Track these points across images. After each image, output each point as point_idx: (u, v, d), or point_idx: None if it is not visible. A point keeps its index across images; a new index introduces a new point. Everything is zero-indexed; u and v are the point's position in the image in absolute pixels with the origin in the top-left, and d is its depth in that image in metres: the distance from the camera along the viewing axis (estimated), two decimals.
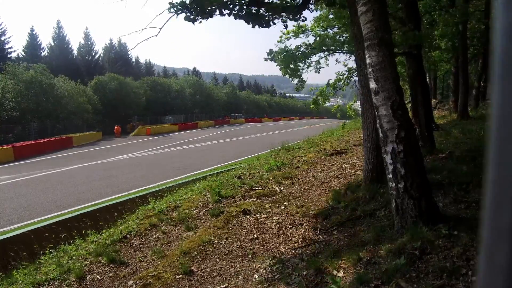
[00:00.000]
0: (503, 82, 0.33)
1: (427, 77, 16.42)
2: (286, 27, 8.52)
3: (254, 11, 7.04)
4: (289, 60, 10.68)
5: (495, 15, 0.34)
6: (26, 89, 30.17)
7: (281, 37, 11.90)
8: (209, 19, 6.91)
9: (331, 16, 11.52)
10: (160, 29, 6.54)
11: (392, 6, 9.68)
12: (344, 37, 11.70)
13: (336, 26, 11.73)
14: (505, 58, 0.33)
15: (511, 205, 0.31)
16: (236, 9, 6.76)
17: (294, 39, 12.33)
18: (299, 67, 11.49)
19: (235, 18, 7.01)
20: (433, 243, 3.59)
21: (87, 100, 36.23)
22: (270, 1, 7.27)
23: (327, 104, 14.70)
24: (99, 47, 55.76)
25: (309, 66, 12.13)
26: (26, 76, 30.34)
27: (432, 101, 18.21)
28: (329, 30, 12.04)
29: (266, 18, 7.23)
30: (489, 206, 0.33)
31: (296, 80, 12.04)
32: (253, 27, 7.28)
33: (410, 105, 9.51)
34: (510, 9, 0.33)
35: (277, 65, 11.01)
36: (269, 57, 10.81)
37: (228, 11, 6.83)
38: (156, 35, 6.55)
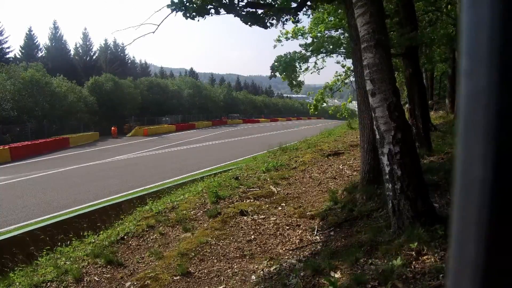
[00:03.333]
0: (468, 80, 0.35)
1: (424, 78, 16.51)
2: (283, 25, 8.55)
3: (252, 12, 7.08)
4: (290, 69, 10.76)
5: (460, 14, 0.36)
6: (23, 89, 30.13)
7: (279, 36, 11.95)
8: (206, 17, 6.96)
9: (327, 16, 11.57)
10: (158, 25, 6.54)
11: (389, 8, 9.71)
12: (342, 38, 11.73)
13: (334, 29, 11.77)
14: (471, 55, 0.35)
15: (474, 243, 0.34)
16: (233, 10, 6.79)
17: (292, 40, 12.39)
18: (297, 70, 11.55)
19: (234, 16, 7.05)
20: (429, 244, 3.61)
21: (79, 98, 36.06)
22: (268, 3, 7.31)
23: (324, 104, 14.77)
24: (97, 48, 55.58)
25: (306, 69, 12.18)
26: (25, 75, 30.32)
27: (429, 101, 18.29)
28: (326, 32, 12.07)
29: (264, 19, 7.26)
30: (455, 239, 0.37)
31: (294, 82, 12.09)
32: (250, 26, 7.31)
33: (407, 105, 9.56)
34: (475, 7, 0.34)
35: (280, 75, 11.10)
36: (273, 74, 10.93)
37: (225, 11, 6.86)
38: (153, 32, 6.56)
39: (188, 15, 6.54)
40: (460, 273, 0.36)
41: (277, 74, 11.29)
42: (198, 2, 6.36)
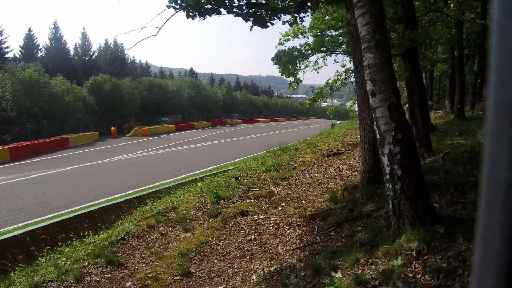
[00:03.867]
0: (497, 92, 0.38)
1: (424, 78, 16.52)
2: (290, 24, 8.53)
3: (253, 11, 7.09)
4: (292, 62, 10.87)
5: (491, 33, 0.39)
6: (23, 89, 30.13)
7: (280, 39, 11.99)
8: (207, 17, 6.98)
9: (327, 17, 11.57)
10: (160, 28, 6.55)
11: (389, 8, 9.72)
12: (342, 39, 11.74)
13: (334, 29, 11.78)
14: (500, 70, 0.38)
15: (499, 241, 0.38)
16: (234, 9, 6.80)
17: (293, 39, 12.41)
18: (297, 67, 11.60)
19: (234, 16, 7.07)
20: (429, 243, 3.62)
21: (78, 98, 36.05)
22: (268, 3, 7.31)
23: (324, 104, 14.84)
24: (96, 48, 55.63)
25: (306, 66, 12.20)
26: (24, 76, 30.31)
27: (429, 101, 18.30)
28: (327, 32, 12.08)
29: (265, 18, 7.27)
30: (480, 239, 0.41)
31: (292, 78, 12.16)
32: (252, 26, 7.31)
33: (406, 105, 9.57)
34: (505, 25, 0.37)
35: (278, 68, 11.17)
36: (276, 61, 11.00)
37: (226, 11, 6.87)
38: (155, 35, 6.57)
39: (190, 14, 6.55)
40: (484, 269, 0.39)
41: (278, 70, 11.34)
42: (200, 2, 6.38)
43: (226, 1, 6.80)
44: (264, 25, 7.65)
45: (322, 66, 12.96)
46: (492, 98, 0.38)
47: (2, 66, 31.12)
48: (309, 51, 11.40)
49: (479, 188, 0.41)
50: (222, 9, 6.83)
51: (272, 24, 7.89)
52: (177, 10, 6.60)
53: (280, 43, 11.89)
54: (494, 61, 0.38)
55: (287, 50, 10.82)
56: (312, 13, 10.49)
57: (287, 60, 10.63)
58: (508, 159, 0.37)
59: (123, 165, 18.06)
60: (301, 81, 12.38)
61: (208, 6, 6.61)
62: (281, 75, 11.89)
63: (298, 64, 11.31)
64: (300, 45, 11.58)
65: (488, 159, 0.39)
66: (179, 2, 6.39)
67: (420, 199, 4.01)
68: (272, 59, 10.84)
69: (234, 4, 6.86)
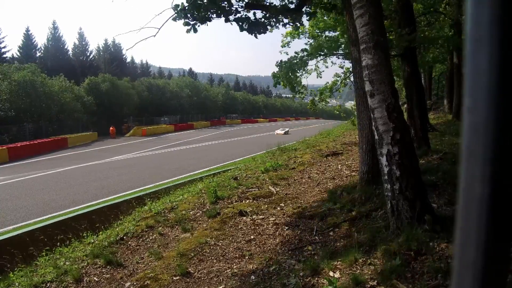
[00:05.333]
0: (470, 115, 0.43)
1: (422, 78, 16.54)
2: (276, 27, 8.61)
3: (252, 19, 7.09)
4: (291, 78, 10.98)
5: (465, 61, 0.43)
6: (19, 89, 30.06)
7: (283, 41, 12.09)
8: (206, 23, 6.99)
9: (326, 18, 11.61)
10: (159, 29, 6.55)
11: (388, 9, 9.74)
12: (340, 40, 11.78)
13: (332, 29, 11.84)
14: (473, 95, 0.42)
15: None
16: (232, 14, 6.82)
17: (293, 41, 12.48)
18: (298, 75, 11.67)
19: (234, 23, 7.07)
20: (428, 244, 3.63)
21: (75, 98, 35.99)
22: (267, 4, 7.32)
23: (328, 104, 14.96)
24: (94, 48, 55.70)
25: (306, 72, 12.27)
26: (19, 76, 30.24)
27: (427, 102, 18.32)
28: (325, 32, 12.14)
29: (263, 23, 7.27)
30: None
31: (297, 90, 12.28)
32: (251, 33, 7.30)
33: (405, 106, 9.58)
34: (477, 55, 0.41)
35: (281, 84, 11.33)
36: (276, 81, 11.15)
37: (224, 17, 6.88)
38: (154, 35, 6.57)
39: (190, 24, 6.57)
40: (462, 273, 0.43)
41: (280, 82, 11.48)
42: (201, 11, 6.38)
43: (225, 6, 6.79)
44: (264, 30, 7.61)
45: (323, 71, 13.06)
46: (467, 119, 0.43)
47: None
48: (307, 57, 11.48)
49: (457, 201, 0.45)
50: (221, 16, 6.83)
51: (271, 27, 7.88)
52: (177, 20, 6.62)
53: (283, 46, 11.99)
54: (467, 87, 0.43)
55: (284, 65, 10.94)
56: (310, 18, 10.54)
57: (286, 73, 10.73)
58: (480, 174, 0.41)
59: (122, 165, 18.05)
60: (306, 88, 12.48)
61: (207, 13, 6.63)
62: (284, 88, 12.04)
63: (298, 72, 11.39)
64: (301, 50, 11.63)
65: (463, 174, 0.43)
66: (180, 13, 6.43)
67: (419, 200, 4.03)
68: (273, 78, 10.94)
69: (233, 6, 6.86)
